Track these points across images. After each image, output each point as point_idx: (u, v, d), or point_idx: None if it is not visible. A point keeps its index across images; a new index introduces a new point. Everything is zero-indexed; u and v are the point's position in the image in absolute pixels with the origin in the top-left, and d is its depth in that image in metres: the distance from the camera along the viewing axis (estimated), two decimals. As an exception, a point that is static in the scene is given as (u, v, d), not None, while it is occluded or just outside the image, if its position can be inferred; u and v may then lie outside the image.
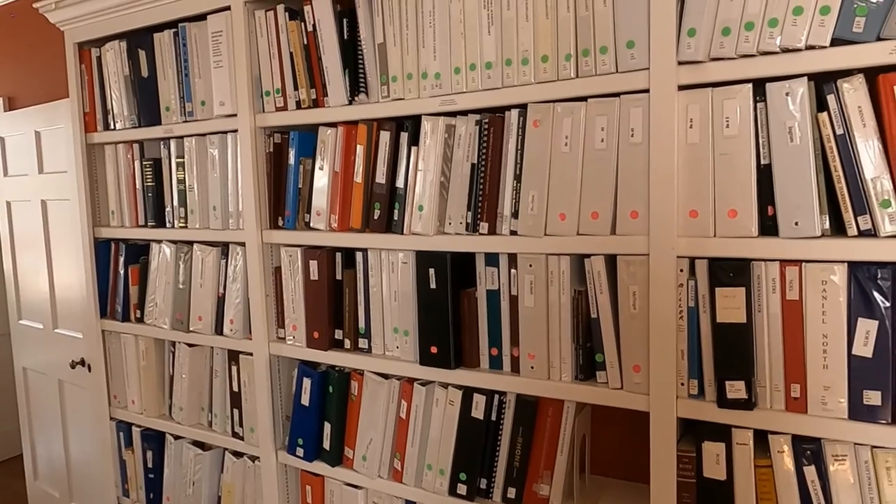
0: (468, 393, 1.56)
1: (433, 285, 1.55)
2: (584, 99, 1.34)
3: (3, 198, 3.13)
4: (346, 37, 1.65)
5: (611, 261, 1.34)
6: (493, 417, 1.54)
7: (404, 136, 1.59)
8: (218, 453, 2.12)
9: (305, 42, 1.70)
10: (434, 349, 1.57)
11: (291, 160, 1.79)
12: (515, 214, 1.44)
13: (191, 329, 2.07)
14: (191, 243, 2.06)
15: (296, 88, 1.75)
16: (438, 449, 1.61)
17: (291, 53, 1.73)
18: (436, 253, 1.54)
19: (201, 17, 1.91)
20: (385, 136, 1.61)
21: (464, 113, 1.51)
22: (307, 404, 1.82)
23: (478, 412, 1.55)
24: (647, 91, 1.24)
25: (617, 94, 1.30)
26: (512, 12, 1.39)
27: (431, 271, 1.55)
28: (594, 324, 1.38)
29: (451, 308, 1.54)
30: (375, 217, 1.64)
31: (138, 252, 2.25)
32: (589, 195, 1.34)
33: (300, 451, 1.85)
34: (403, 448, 1.66)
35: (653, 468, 1.30)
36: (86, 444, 2.90)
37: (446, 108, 1.50)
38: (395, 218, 1.60)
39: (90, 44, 2.23)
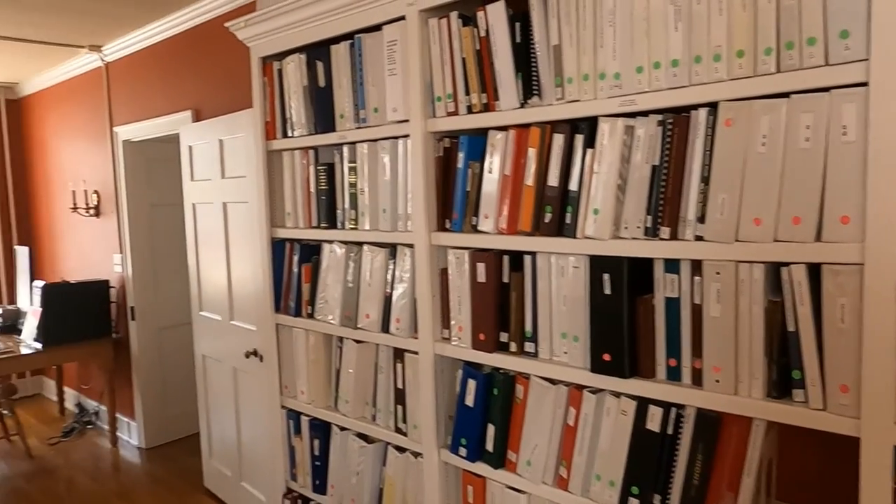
0: (643, 404, 1.50)
1: (607, 291, 1.51)
2: (785, 95, 1.24)
3: (189, 200, 3.47)
4: (518, 40, 1.65)
5: (813, 270, 1.24)
6: (670, 431, 1.47)
7: (579, 139, 1.56)
8: (381, 447, 2.20)
9: (478, 47, 1.72)
10: (607, 357, 1.53)
11: (460, 163, 1.82)
12: (701, 219, 1.36)
13: (358, 326, 2.17)
14: (360, 244, 2.16)
15: (467, 93, 1.77)
16: (608, 460, 1.56)
17: (464, 59, 1.76)
18: (611, 258, 1.50)
19: (376, 28, 2.00)
20: (559, 139, 1.59)
21: (644, 113, 1.46)
22: (471, 405, 1.84)
23: (653, 424, 1.49)
24: (864, 84, 1.13)
25: (826, 89, 1.19)
26: (703, 6, 1.32)
27: (606, 276, 1.51)
28: (791, 337, 1.28)
29: (627, 315, 1.49)
30: (546, 220, 1.62)
31: (311, 252, 2.39)
32: (789, 199, 1.24)
33: (463, 451, 1.87)
34: (570, 456, 1.63)
35: (863, 499, 1.17)
36: (256, 429, 3.13)
37: (626, 109, 1.45)
38: (568, 221, 1.58)
39: (272, 58, 2.41)
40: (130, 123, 4.10)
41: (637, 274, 1.51)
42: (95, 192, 4.53)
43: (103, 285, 4.30)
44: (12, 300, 5.33)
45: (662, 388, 1.45)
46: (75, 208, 4.62)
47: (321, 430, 2.41)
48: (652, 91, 1.41)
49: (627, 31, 1.43)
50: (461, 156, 1.82)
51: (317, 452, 2.43)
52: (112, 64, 4.24)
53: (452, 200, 1.86)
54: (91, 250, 4.68)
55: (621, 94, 1.46)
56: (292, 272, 2.44)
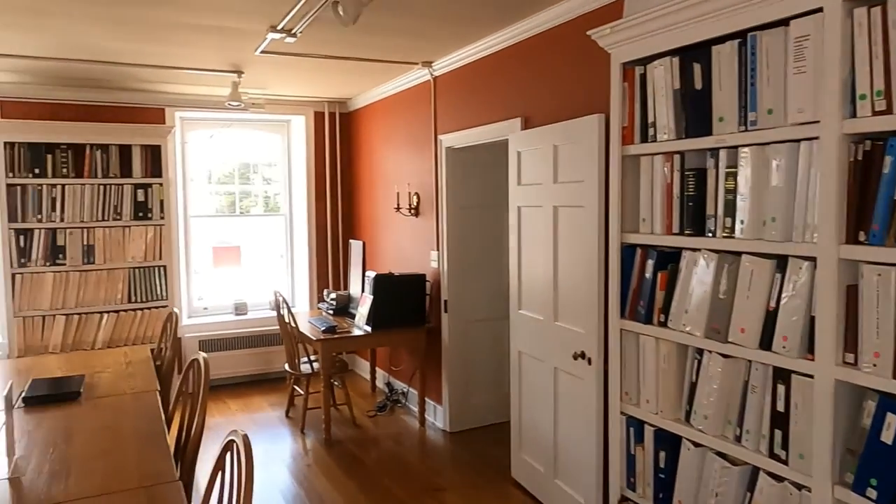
0: None
1: None
2: None
3: (515, 203, 3.64)
4: None
5: None
6: None
7: None
8: (747, 471, 2.06)
9: (927, 36, 1.51)
10: None
11: (887, 168, 1.62)
12: None
13: (729, 340, 2.05)
14: (737, 254, 2.04)
15: (905, 89, 1.57)
16: None
17: (904, 51, 1.56)
18: None
19: (773, 25, 1.87)
20: None
21: None
22: (889, 442, 1.62)
23: None
24: None
25: None
26: None
27: None
28: None
29: None
30: None
31: (666, 258, 2.33)
32: None
33: (871, 493, 1.66)
34: None
35: None
36: (576, 430, 3.17)
37: None
38: None
39: (635, 62, 2.40)
40: (454, 132, 4.46)
41: None
42: (416, 193, 5.02)
43: (421, 278, 4.74)
44: (345, 286, 6.16)
45: None
46: (398, 208, 5.17)
47: (668, 442, 2.34)
48: None
49: None
50: (889, 160, 1.62)
51: (662, 465, 2.37)
52: (439, 77, 4.65)
53: (872, 210, 1.66)
54: (410, 246, 5.19)
55: None
56: (644, 278, 2.41)
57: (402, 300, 4.69)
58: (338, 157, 6.36)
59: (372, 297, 4.64)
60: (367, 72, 4.88)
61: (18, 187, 4.90)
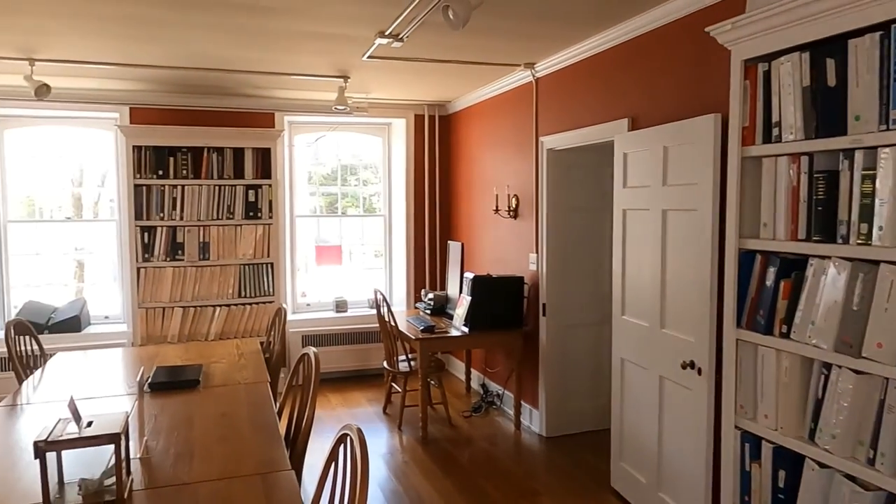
0: None
1: None
2: None
3: (620, 206, 3.55)
4: None
5: None
6: None
7: None
8: (882, 497, 1.91)
9: None
10: None
11: None
12: None
13: (863, 355, 1.91)
14: (874, 262, 1.90)
15: None
16: None
17: None
18: None
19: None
20: None
21: None
22: None
23: None
24: None
25: None
26: None
27: None
28: None
29: None
30: None
31: (790, 266, 2.20)
32: None
33: None
34: None
35: None
36: (683, 442, 3.05)
37: None
38: None
39: (757, 59, 2.28)
40: (556, 133, 4.40)
41: None
42: (515, 195, 5.00)
43: (519, 281, 4.71)
44: (443, 287, 6.24)
45: None
46: (497, 210, 5.17)
47: (789, 461, 2.20)
48: None
49: None
50: None
51: (781, 484, 2.24)
52: (542, 79, 4.61)
53: None
54: (508, 248, 5.18)
55: None
56: (764, 286, 2.29)
57: (500, 302, 4.68)
58: (437, 158, 6.44)
59: (470, 298, 4.66)
60: (469, 74, 4.91)
61: (144, 187, 5.28)
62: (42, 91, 4.36)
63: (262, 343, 4.34)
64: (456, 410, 5.26)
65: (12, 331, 3.88)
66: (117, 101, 5.49)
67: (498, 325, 4.69)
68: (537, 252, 4.69)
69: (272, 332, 4.41)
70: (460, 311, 4.84)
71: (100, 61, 4.38)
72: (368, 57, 4.24)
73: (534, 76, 4.65)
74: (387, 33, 3.70)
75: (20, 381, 3.63)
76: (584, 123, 4.10)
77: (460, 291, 5.04)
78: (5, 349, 3.86)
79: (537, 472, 4.08)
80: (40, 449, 1.86)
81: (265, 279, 5.61)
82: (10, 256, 5.63)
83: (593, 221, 4.64)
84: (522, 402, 4.91)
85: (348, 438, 1.87)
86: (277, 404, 2.93)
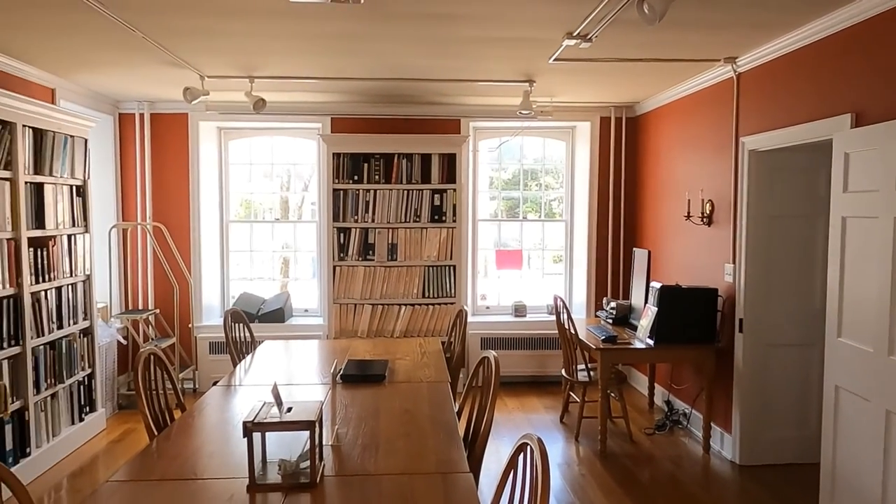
0: None
1: None
2: None
3: (838, 213, 3.14)
4: None
5: None
6: None
7: None
8: None
9: None
10: None
11: None
12: None
13: None
14: None
15: None
16: None
17: None
18: None
19: None
20: None
21: None
22: None
23: None
24: None
25: None
26: None
27: None
28: None
29: None
30: None
31: None
32: None
33: None
34: None
35: None
36: (915, 490, 2.61)
37: None
38: None
39: None
40: (760, 133, 4.01)
41: None
42: (710, 201, 4.64)
43: (712, 293, 4.36)
44: (626, 296, 6.00)
45: None
46: (688, 216, 4.83)
47: None
48: None
49: None
50: None
51: None
52: (743, 74, 4.23)
53: None
54: (700, 257, 4.83)
55: None
56: None
57: (690, 315, 4.36)
58: (622, 162, 6.20)
59: (656, 309, 4.41)
60: (660, 73, 4.65)
61: (341, 192, 5.67)
62: (259, 105, 4.86)
63: (442, 343, 4.45)
64: (637, 426, 5.00)
65: (229, 318, 4.36)
66: (321, 112, 5.97)
67: (687, 340, 4.38)
68: (734, 262, 4.30)
69: (453, 333, 4.51)
70: (645, 322, 4.59)
71: (308, 76, 4.78)
72: (555, 60, 4.18)
73: (735, 71, 4.28)
74: (575, 34, 3.61)
75: (234, 364, 4.07)
76: (794, 121, 3.68)
77: (645, 302, 4.78)
78: (224, 335, 4.34)
79: (728, 501, 3.73)
80: (248, 429, 2.04)
81: (447, 281, 5.76)
82: (230, 252, 6.37)
83: (801, 230, 4.16)
84: (713, 425, 4.54)
85: (528, 448, 1.82)
86: (456, 405, 2.97)
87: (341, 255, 5.71)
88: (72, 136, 4.54)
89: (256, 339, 4.67)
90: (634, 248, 5.32)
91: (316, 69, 4.58)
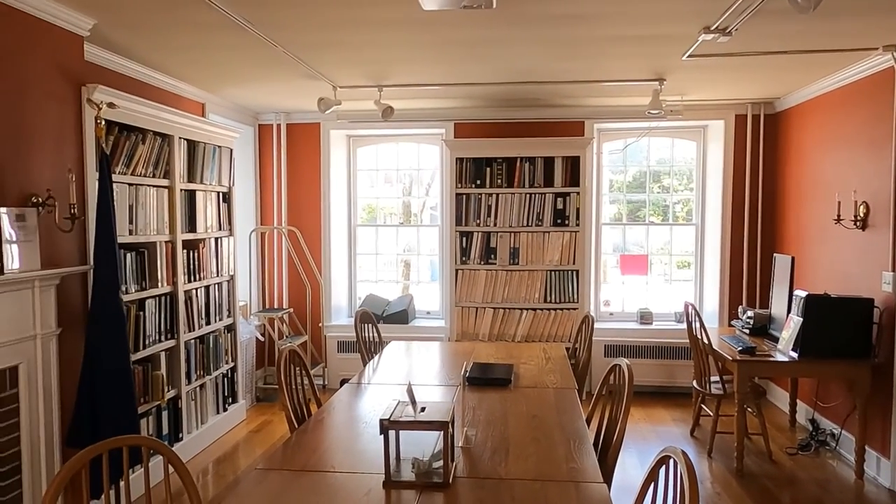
0: None
1: None
2: None
3: None
4: None
5: None
6: None
7: None
8: None
9: None
10: None
11: None
12: None
13: None
14: None
15: None
16: None
17: None
18: None
19: None
20: None
21: None
22: None
23: None
24: None
25: None
26: None
27: None
28: None
29: None
30: None
31: None
32: None
33: None
34: None
35: None
36: None
37: None
38: None
39: None
40: (926, 126, 3.62)
41: None
42: (864, 203, 4.24)
43: (867, 304, 3.98)
44: (764, 304, 5.62)
45: None
46: (838, 220, 4.45)
47: None
48: None
49: None
50: None
51: None
52: (906, 62, 3.84)
53: None
54: (851, 265, 4.43)
55: None
56: None
57: (840, 327, 4.01)
58: (760, 162, 5.81)
59: (801, 319, 4.08)
60: (807, 65, 4.32)
61: (464, 196, 5.73)
62: (387, 113, 5.02)
63: (567, 349, 4.37)
64: (777, 445, 4.66)
65: (358, 319, 4.52)
66: (444, 118, 6.07)
67: (837, 354, 4.03)
68: (894, 270, 3.90)
69: (578, 339, 4.42)
70: (787, 333, 4.27)
71: (434, 83, 4.88)
72: (689, 56, 3.99)
73: (896, 60, 3.90)
74: (713, 28, 3.43)
75: (364, 363, 4.21)
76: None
77: (788, 311, 4.45)
78: (354, 334, 4.51)
79: (888, 534, 3.39)
80: (385, 427, 2.10)
81: (570, 286, 5.66)
82: (357, 255, 6.62)
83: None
84: (867, 448, 4.14)
85: (671, 462, 1.74)
86: (584, 413, 2.90)
87: (463, 258, 5.77)
88: (219, 147, 4.91)
89: (383, 339, 4.81)
90: (775, 254, 4.96)
91: (442, 76, 4.66)
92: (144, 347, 3.96)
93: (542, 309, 5.69)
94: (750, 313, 4.97)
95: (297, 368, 3.19)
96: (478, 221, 5.74)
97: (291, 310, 6.23)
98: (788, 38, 3.67)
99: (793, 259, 4.59)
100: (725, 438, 4.60)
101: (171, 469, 1.98)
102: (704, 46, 3.77)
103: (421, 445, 2.41)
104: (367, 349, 4.53)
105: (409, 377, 3.55)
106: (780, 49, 3.91)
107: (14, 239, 2.91)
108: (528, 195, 5.67)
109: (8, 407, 2.93)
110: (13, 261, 2.91)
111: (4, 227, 2.86)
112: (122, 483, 3.34)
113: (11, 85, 2.97)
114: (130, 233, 3.85)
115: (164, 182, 4.22)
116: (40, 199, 3.09)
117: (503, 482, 2.15)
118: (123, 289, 3.65)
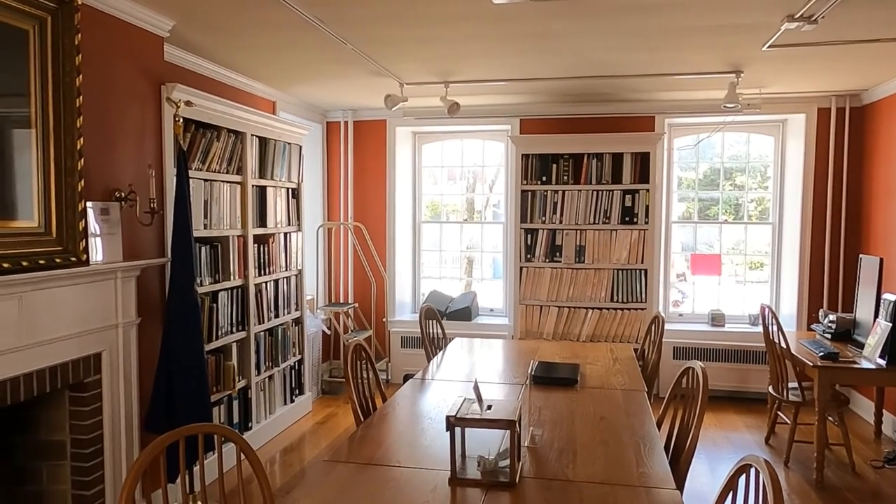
0: None
1: None
2: None
3: None
4: None
5: None
6: None
7: None
8: None
9: None
10: None
11: None
12: None
13: None
14: None
15: None
16: None
17: None
18: None
19: None
20: None
21: None
22: None
23: None
24: None
25: None
26: None
27: None
28: None
29: None
30: None
31: None
32: None
33: None
34: None
35: None
36: None
37: None
38: None
39: None
40: None
41: None
42: (963, 201, 3.95)
43: (965, 309, 3.70)
44: (848, 308, 5.33)
45: None
46: (932, 219, 4.16)
47: None
48: None
49: None
50: None
51: None
52: None
53: None
54: (946, 267, 4.13)
55: None
56: None
57: (934, 333, 3.75)
58: (844, 158, 5.50)
59: (890, 324, 3.84)
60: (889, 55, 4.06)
61: (529, 193, 5.67)
62: (453, 109, 5.01)
63: (635, 350, 4.25)
64: (861, 457, 4.40)
65: (423, 315, 4.53)
66: (510, 114, 6.01)
67: (929, 362, 3.77)
68: None
69: (647, 340, 4.30)
70: (873, 339, 4.02)
71: (501, 78, 4.84)
72: (769, 46, 3.81)
73: None
74: (797, 16, 3.26)
75: (428, 359, 4.22)
76: None
77: (875, 316, 4.19)
78: (417, 330, 4.52)
79: None
80: (451, 423, 2.08)
81: (638, 285, 5.51)
82: (421, 252, 6.65)
83: None
84: (962, 464, 3.86)
85: (751, 470, 1.65)
86: (654, 416, 2.81)
87: (528, 256, 5.70)
88: (289, 144, 5.02)
89: (447, 335, 4.81)
90: (861, 256, 4.68)
91: (509, 71, 4.61)
92: (217, 338, 4.09)
93: (608, 308, 5.57)
94: (832, 317, 4.71)
95: (363, 363, 3.22)
96: (543, 219, 5.66)
97: (357, 304, 6.31)
98: (880, 24, 3.45)
99: (881, 260, 4.32)
100: (803, 448, 4.38)
101: (242, 456, 2.02)
102: (786, 36, 3.59)
103: (486, 444, 2.38)
104: (432, 345, 4.53)
105: (473, 374, 3.52)
106: (871, 37, 3.68)
107: (99, 232, 3.05)
108: (595, 192, 5.55)
109: (92, 392, 3.07)
110: (98, 253, 3.05)
111: (90, 221, 3.00)
112: (196, 468, 3.46)
113: (97, 85, 3.11)
114: (205, 227, 3.98)
115: (237, 178, 4.34)
116: (122, 194, 3.23)
117: (571, 484, 2.10)
118: (198, 281, 3.78)
